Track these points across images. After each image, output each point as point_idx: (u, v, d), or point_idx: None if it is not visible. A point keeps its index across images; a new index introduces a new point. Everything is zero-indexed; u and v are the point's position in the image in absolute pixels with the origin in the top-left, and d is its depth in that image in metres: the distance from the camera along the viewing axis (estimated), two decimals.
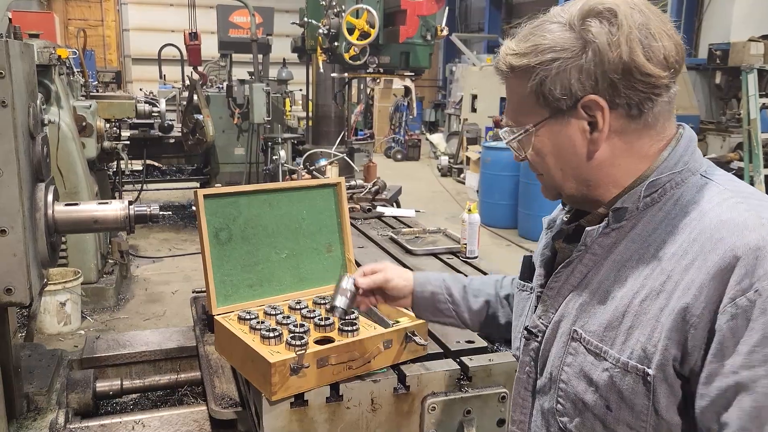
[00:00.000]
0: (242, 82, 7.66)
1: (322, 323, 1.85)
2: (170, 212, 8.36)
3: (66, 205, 2.03)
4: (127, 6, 19.03)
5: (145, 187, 7.83)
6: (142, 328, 4.83)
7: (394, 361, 1.82)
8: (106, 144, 5.51)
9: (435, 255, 3.04)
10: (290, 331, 1.78)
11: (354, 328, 1.81)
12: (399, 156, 15.02)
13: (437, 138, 14.78)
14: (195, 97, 7.23)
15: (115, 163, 6.63)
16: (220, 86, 8.39)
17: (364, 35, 4.62)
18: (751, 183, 7.73)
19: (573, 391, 1.17)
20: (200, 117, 7.12)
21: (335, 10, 4.78)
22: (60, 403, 2.31)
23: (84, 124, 5.02)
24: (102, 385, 2.55)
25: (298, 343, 1.70)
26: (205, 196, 1.97)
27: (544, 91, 1.12)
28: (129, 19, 19.10)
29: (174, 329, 3.06)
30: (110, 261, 5.62)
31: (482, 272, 2.78)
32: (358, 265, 2.31)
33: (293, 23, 6.45)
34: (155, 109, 7.15)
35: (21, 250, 1.75)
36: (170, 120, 7.97)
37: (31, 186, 1.87)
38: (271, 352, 1.68)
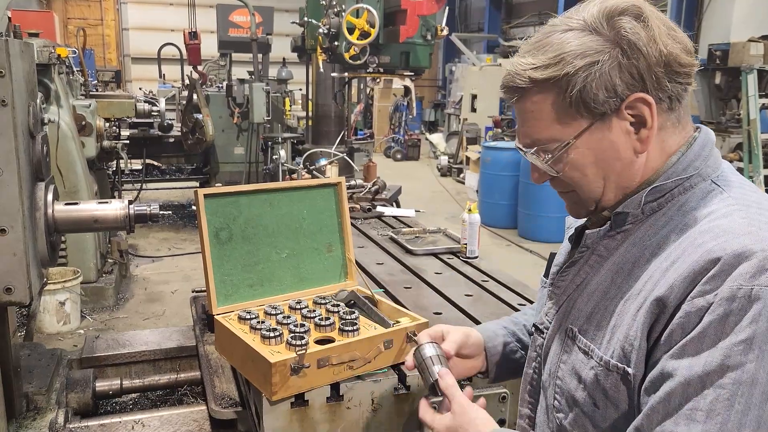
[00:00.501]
0: (242, 81, 7.67)
1: (323, 323, 1.84)
2: (170, 212, 8.36)
3: (66, 204, 2.03)
4: (126, 5, 19.04)
5: (144, 186, 7.83)
6: (142, 327, 4.83)
7: (394, 361, 1.81)
8: (106, 143, 5.50)
9: (435, 255, 3.04)
10: (291, 331, 1.78)
11: (354, 328, 1.81)
12: (399, 156, 15.02)
13: (437, 138, 14.78)
14: (195, 96, 7.22)
15: (115, 162, 6.63)
16: (220, 86, 8.39)
17: (364, 35, 4.62)
18: None
19: (567, 387, 1.19)
20: (200, 116, 7.12)
21: (335, 10, 4.78)
22: (59, 402, 2.31)
23: (83, 123, 5.02)
24: (101, 385, 2.54)
25: (299, 343, 1.70)
26: (206, 196, 1.96)
27: (585, 98, 1.08)
28: (129, 19, 19.11)
29: (174, 329, 3.05)
30: (110, 260, 5.62)
31: (482, 272, 2.78)
32: (359, 265, 2.31)
33: (293, 23, 6.45)
34: (155, 108, 7.15)
35: (21, 250, 1.75)
36: (170, 119, 7.97)
37: (31, 185, 1.87)
38: (271, 352, 1.67)
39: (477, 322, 2.18)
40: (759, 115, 8.13)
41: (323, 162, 5.07)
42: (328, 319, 1.87)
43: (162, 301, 5.56)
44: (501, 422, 1.86)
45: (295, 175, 5.15)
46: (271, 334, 1.74)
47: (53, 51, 4.53)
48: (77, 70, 5.73)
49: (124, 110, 6.20)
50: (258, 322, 1.85)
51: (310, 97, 7.37)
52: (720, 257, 0.98)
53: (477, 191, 8.94)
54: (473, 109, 13.13)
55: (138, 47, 18.66)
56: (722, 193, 1.10)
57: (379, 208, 4.07)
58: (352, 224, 3.47)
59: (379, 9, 4.69)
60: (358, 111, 6.32)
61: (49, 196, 1.95)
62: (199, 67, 7.97)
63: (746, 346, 0.93)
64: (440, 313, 2.26)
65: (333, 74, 5.35)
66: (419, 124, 18.18)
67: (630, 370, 1.06)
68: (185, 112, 7.39)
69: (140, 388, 2.65)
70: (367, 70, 4.82)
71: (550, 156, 1.15)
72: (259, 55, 8.07)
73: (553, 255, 1.42)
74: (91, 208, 2.10)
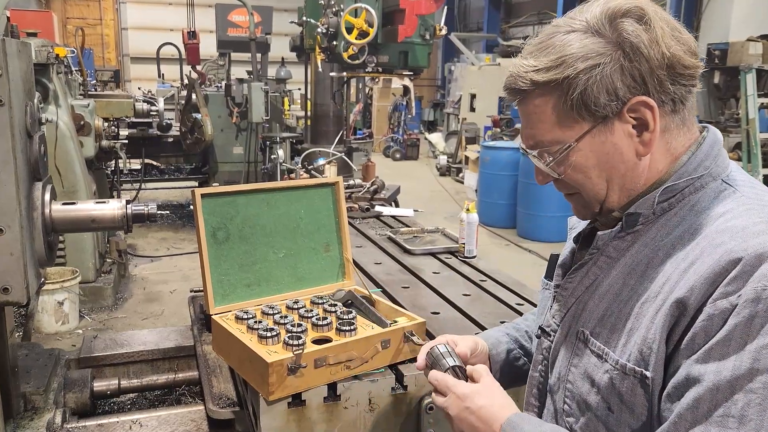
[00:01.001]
0: (241, 81, 7.66)
1: (320, 323, 1.84)
2: (168, 211, 8.36)
3: (63, 204, 2.03)
4: (125, 5, 19.04)
5: (143, 186, 7.82)
6: (140, 327, 4.82)
7: (391, 360, 1.81)
8: (105, 143, 5.50)
9: (433, 254, 3.04)
10: (288, 331, 1.78)
11: (351, 327, 1.81)
12: (398, 155, 15.02)
13: (436, 137, 14.78)
14: (193, 96, 7.22)
15: (114, 162, 6.62)
16: (219, 85, 8.38)
17: (363, 34, 4.62)
18: None
19: (578, 391, 1.17)
20: (199, 116, 7.11)
21: (334, 9, 4.78)
22: (57, 402, 2.31)
23: (82, 123, 5.01)
24: (99, 385, 2.54)
25: (296, 342, 1.70)
26: (203, 196, 1.96)
27: (586, 101, 1.08)
28: (128, 18, 19.11)
29: (172, 329, 3.05)
30: (108, 260, 5.61)
31: (480, 272, 2.78)
32: (356, 264, 2.31)
33: (292, 22, 6.46)
34: (154, 108, 7.14)
35: (18, 250, 1.75)
36: (169, 119, 7.96)
37: (28, 185, 1.87)
38: (268, 351, 1.67)
39: (475, 322, 2.18)
40: (758, 114, 8.13)
41: (322, 161, 5.06)
42: (325, 318, 1.87)
43: (161, 300, 5.55)
44: None
45: (293, 175, 5.15)
46: (269, 334, 1.75)
47: (51, 51, 4.52)
48: (76, 70, 5.72)
49: (123, 110, 6.19)
50: (255, 322, 1.85)
51: (308, 96, 7.37)
52: (741, 257, 0.96)
53: (476, 191, 8.94)
54: (472, 109, 13.14)
55: (137, 47, 18.65)
56: (735, 192, 1.09)
57: (378, 208, 4.06)
58: (351, 224, 3.47)
59: (377, 8, 4.69)
60: (357, 110, 6.32)
61: (47, 196, 1.95)
62: (198, 67, 7.96)
63: None
64: (438, 313, 2.26)
65: (332, 74, 5.35)
66: (418, 124, 18.18)
67: (648, 374, 1.04)
68: (184, 111, 7.38)
69: (138, 388, 2.65)
70: (366, 70, 4.83)
71: (552, 158, 1.15)
72: (258, 55, 8.07)
73: (554, 256, 1.40)
74: (88, 207, 2.10)
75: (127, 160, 7.05)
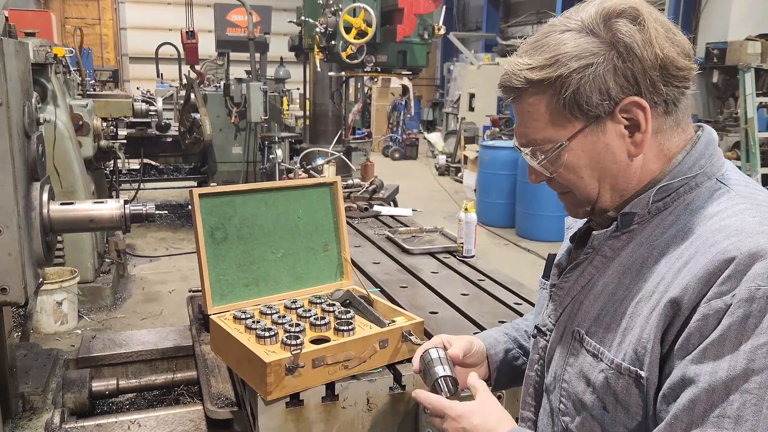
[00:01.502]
0: (239, 80, 7.66)
1: (318, 323, 1.84)
2: (167, 211, 8.35)
3: (61, 204, 2.03)
4: (124, 5, 19.03)
5: (142, 186, 7.82)
6: (139, 327, 4.82)
7: (389, 360, 1.81)
8: (103, 143, 5.50)
9: (431, 254, 3.04)
10: (286, 331, 1.78)
11: (350, 327, 1.81)
12: (397, 155, 15.02)
13: (435, 137, 14.78)
14: (192, 95, 7.21)
15: (112, 162, 6.62)
16: (218, 85, 8.38)
17: (362, 34, 4.62)
18: None
19: (573, 391, 1.18)
20: (197, 116, 7.11)
21: (332, 9, 4.78)
22: (56, 402, 2.31)
23: (81, 122, 5.01)
24: (98, 385, 2.54)
25: (294, 342, 1.70)
26: (201, 195, 1.96)
27: (578, 100, 1.08)
28: (126, 18, 19.10)
29: (170, 329, 3.05)
30: (107, 260, 5.61)
31: (478, 271, 2.78)
32: (355, 264, 2.31)
33: (290, 22, 6.45)
34: (152, 107, 7.14)
35: (16, 250, 1.74)
36: (167, 119, 7.96)
37: (26, 185, 1.87)
38: (266, 351, 1.67)
39: (473, 322, 2.18)
40: (756, 113, 8.14)
41: (320, 161, 5.06)
42: (323, 318, 1.87)
43: (160, 300, 5.55)
44: None
45: (291, 175, 5.15)
46: (267, 334, 1.75)
47: (50, 50, 4.52)
48: (74, 70, 5.72)
49: (122, 110, 6.19)
50: (253, 322, 1.85)
51: (307, 96, 7.37)
52: (734, 257, 0.96)
53: (475, 190, 8.94)
54: (471, 108, 13.14)
55: (136, 47, 18.63)
56: (729, 191, 1.09)
57: (377, 208, 4.07)
58: (349, 224, 3.47)
59: (376, 8, 4.69)
60: (356, 110, 6.32)
61: (45, 196, 1.95)
62: (197, 67, 7.96)
63: None
64: (436, 313, 2.26)
65: (330, 73, 5.35)
66: (417, 124, 18.16)
67: (643, 374, 1.04)
68: (183, 111, 7.38)
69: (137, 388, 2.65)
70: (365, 69, 4.82)
71: (544, 157, 1.15)
72: (257, 55, 8.06)
73: (551, 256, 1.40)
74: (86, 208, 2.10)
75: (126, 160, 7.05)
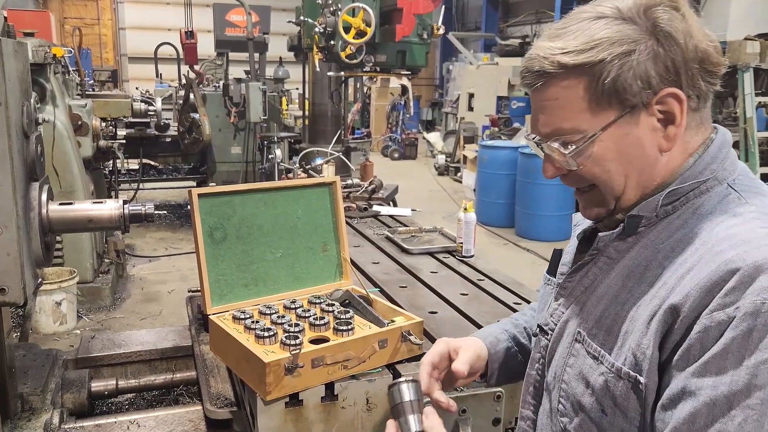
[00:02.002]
0: (239, 80, 7.66)
1: (317, 323, 1.84)
2: (166, 211, 8.35)
3: (60, 204, 2.03)
4: (123, 5, 19.03)
5: (141, 186, 7.82)
6: (139, 327, 4.82)
7: (389, 360, 1.81)
8: (102, 143, 5.50)
9: (431, 254, 3.04)
10: (285, 331, 1.78)
11: (349, 327, 1.81)
12: (396, 155, 15.02)
13: (434, 137, 14.78)
14: (191, 95, 7.21)
15: (111, 162, 6.61)
16: (217, 85, 8.38)
17: (361, 34, 4.62)
18: None
19: (572, 392, 1.17)
20: (197, 116, 7.11)
21: (331, 9, 4.78)
22: (54, 403, 2.30)
23: (80, 122, 5.01)
24: (97, 385, 2.53)
25: (293, 342, 1.69)
26: (200, 195, 1.96)
27: (618, 88, 1.03)
28: (125, 18, 19.11)
29: (169, 329, 3.05)
30: (106, 260, 5.61)
31: (478, 271, 2.78)
32: (354, 264, 2.30)
33: (290, 22, 6.44)
34: (151, 108, 7.14)
35: (15, 250, 1.74)
36: (167, 119, 7.96)
37: (25, 185, 1.86)
38: (265, 351, 1.67)
39: (473, 322, 2.18)
40: (755, 113, 8.14)
41: (320, 161, 5.06)
42: (322, 318, 1.87)
43: (159, 300, 5.55)
44: (496, 421, 1.87)
45: (291, 174, 5.15)
46: (266, 334, 1.74)
47: (49, 51, 4.52)
48: (73, 70, 5.72)
49: (121, 110, 6.19)
50: (252, 322, 1.84)
51: (306, 96, 7.37)
52: (739, 267, 0.94)
53: (474, 190, 8.94)
54: (470, 108, 13.15)
55: (135, 47, 18.63)
56: (740, 198, 1.07)
57: (376, 207, 4.06)
58: (348, 223, 3.47)
59: (375, 8, 4.68)
60: (355, 110, 6.30)
61: (44, 196, 1.95)
62: (196, 67, 7.96)
63: None
64: (436, 313, 2.26)
65: (329, 73, 5.34)
66: (416, 123, 18.17)
67: (642, 380, 1.03)
68: (182, 111, 7.38)
69: (136, 388, 2.64)
70: (364, 69, 4.82)
71: (574, 147, 1.09)
72: (256, 55, 8.06)
73: (557, 252, 1.36)
74: (85, 208, 2.10)
75: (125, 160, 7.06)
